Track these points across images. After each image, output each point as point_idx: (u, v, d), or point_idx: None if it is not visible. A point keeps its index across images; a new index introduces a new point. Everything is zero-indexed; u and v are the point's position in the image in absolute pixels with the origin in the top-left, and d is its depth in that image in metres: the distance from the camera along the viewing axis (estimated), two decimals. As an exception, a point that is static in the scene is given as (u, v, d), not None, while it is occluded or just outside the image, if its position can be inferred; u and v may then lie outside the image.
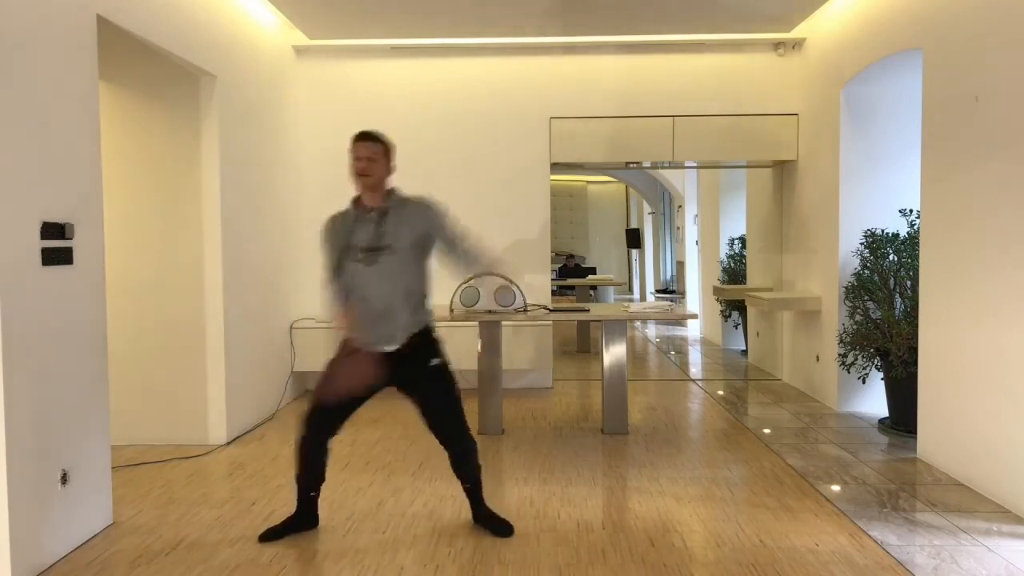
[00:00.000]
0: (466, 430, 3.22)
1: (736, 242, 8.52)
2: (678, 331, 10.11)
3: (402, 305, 3.03)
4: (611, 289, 12.50)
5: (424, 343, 3.13)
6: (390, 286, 3.01)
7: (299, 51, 6.18)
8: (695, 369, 7.62)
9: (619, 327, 4.84)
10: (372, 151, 3.04)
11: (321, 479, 3.24)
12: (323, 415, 3.18)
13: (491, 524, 3.23)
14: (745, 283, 7.73)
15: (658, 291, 13.16)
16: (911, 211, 4.86)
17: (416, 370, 3.14)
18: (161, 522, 3.39)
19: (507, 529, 3.20)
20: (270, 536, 3.16)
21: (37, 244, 2.90)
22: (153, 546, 3.13)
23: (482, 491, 3.29)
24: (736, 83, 6.20)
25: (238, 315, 4.83)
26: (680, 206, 11.66)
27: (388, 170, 3.12)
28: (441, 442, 3.23)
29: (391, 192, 3.15)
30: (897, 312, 4.78)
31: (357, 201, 3.15)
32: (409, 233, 3.06)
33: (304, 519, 3.25)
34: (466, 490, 3.28)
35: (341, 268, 3.07)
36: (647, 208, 15.27)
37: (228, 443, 4.66)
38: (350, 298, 3.06)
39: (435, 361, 3.14)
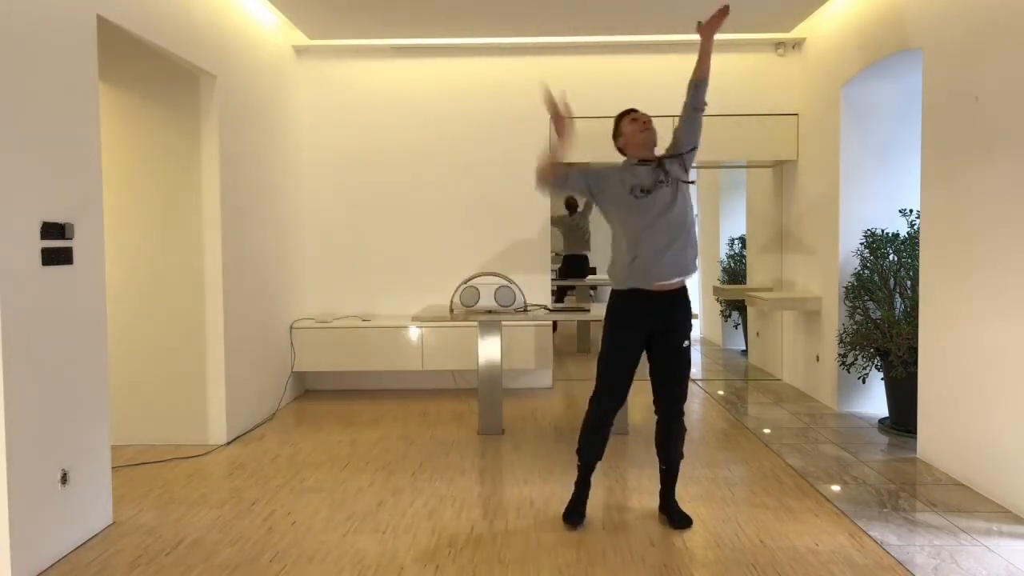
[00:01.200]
0: (683, 413, 3.34)
1: (736, 242, 8.52)
2: (678, 331, 10.08)
3: (685, 238, 3.27)
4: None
5: (685, 312, 3.32)
6: (672, 221, 3.24)
7: (299, 51, 6.18)
8: (695, 369, 7.61)
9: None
10: (647, 116, 3.42)
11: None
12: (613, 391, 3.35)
13: (672, 516, 3.34)
14: (745, 283, 7.73)
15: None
16: (911, 211, 4.86)
17: (670, 341, 3.28)
18: (161, 522, 3.39)
19: (686, 522, 3.30)
20: (576, 518, 3.31)
21: (37, 244, 2.90)
22: (153, 546, 3.13)
23: (676, 479, 3.40)
24: (736, 83, 6.20)
25: (238, 315, 4.83)
26: (680, 206, 11.62)
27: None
28: (660, 413, 3.35)
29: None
30: (897, 312, 4.78)
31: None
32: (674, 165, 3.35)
33: (587, 490, 3.40)
34: (661, 472, 3.41)
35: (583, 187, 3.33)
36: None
37: (228, 443, 4.66)
38: (635, 245, 3.24)
39: (687, 343, 3.30)
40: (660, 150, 3.41)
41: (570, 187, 3.35)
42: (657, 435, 3.38)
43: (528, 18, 5.59)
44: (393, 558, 2.99)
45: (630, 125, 3.36)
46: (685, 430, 3.38)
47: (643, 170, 3.26)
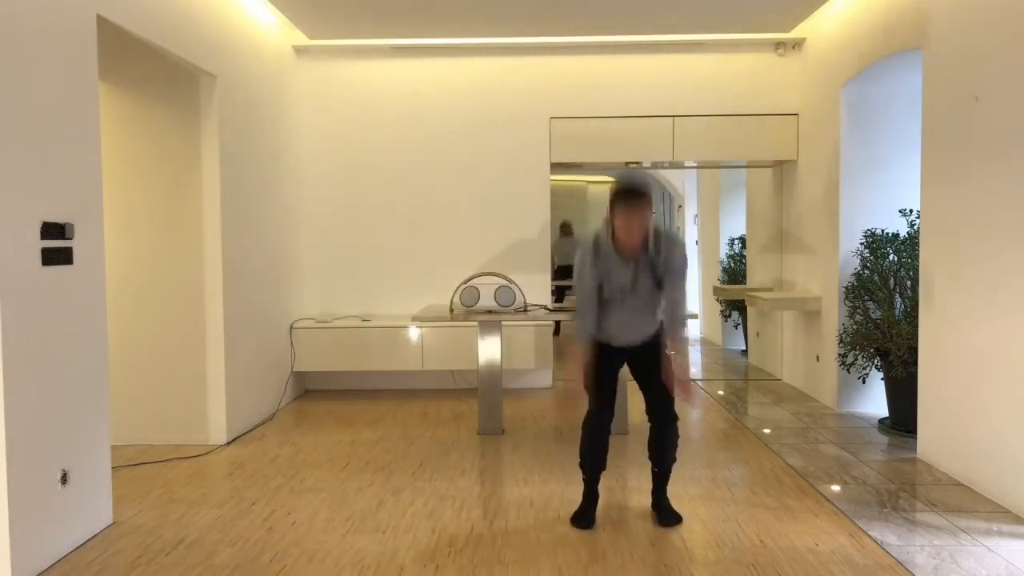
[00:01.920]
0: (675, 418, 3.36)
1: (736, 242, 8.52)
2: (678, 331, 10.08)
3: (650, 316, 3.31)
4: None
5: (657, 338, 3.36)
6: (643, 305, 3.28)
7: (299, 51, 6.18)
8: (695, 369, 7.61)
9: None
10: (642, 217, 3.09)
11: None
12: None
13: (661, 513, 3.38)
14: (745, 283, 7.73)
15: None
16: (911, 211, 4.86)
17: (653, 353, 3.34)
18: (161, 522, 3.39)
19: (675, 519, 3.34)
20: (586, 522, 3.31)
21: (37, 244, 2.90)
22: (153, 546, 3.13)
23: (667, 481, 3.43)
24: (736, 83, 6.20)
25: (238, 315, 4.83)
26: (680, 206, 11.65)
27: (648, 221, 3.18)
28: (651, 419, 3.38)
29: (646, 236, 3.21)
30: (897, 312, 4.78)
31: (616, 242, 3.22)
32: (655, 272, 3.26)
33: (596, 495, 3.41)
34: (653, 473, 3.43)
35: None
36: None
37: (228, 443, 4.66)
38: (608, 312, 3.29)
39: (669, 352, 3.34)
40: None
41: (593, 309, 3.29)
42: (649, 440, 3.40)
43: (528, 18, 5.59)
44: (393, 558, 2.99)
45: (620, 220, 3.09)
46: (678, 435, 3.38)
47: (626, 264, 3.20)
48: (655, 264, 3.21)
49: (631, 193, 3.06)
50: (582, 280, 3.27)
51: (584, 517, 3.32)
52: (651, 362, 3.33)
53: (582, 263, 3.28)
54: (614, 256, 3.21)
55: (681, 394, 3.30)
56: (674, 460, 3.40)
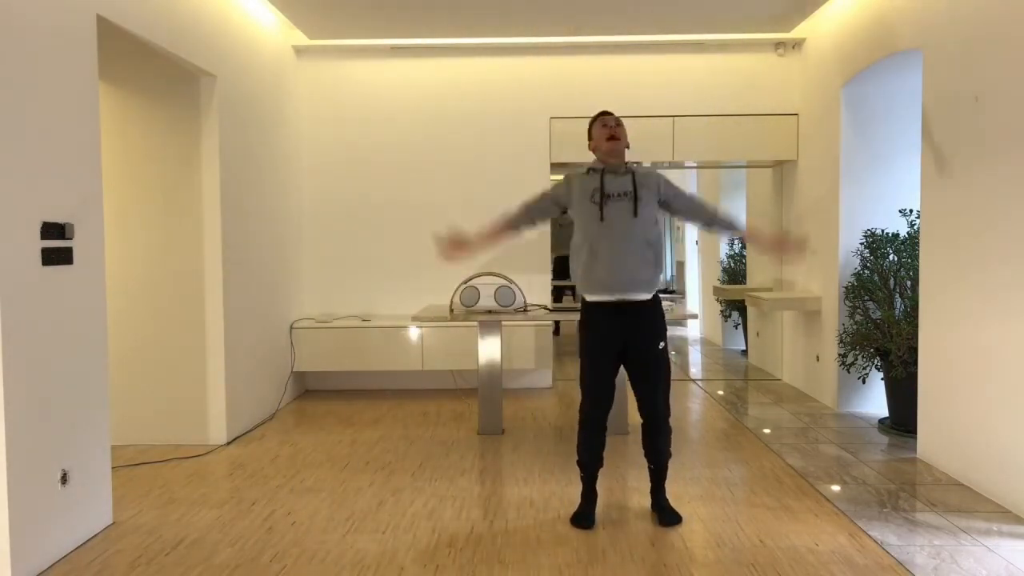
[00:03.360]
0: (667, 414, 3.37)
1: (736, 242, 8.52)
2: (678, 331, 10.11)
3: (641, 257, 3.26)
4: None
5: (656, 317, 3.34)
6: (628, 231, 3.27)
7: (299, 51, 6.18)
8: (695, 369, 7.62)
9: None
10: (617, 120, 3.37)
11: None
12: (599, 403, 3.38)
13: (660, 511, 3.38)
14: (745, 283, 7.73)
15: (658, 291, 13.13)
16: (911, 211, 4.86)
17: (645, 344, 3.30)
18: (161, 522, 3.39)
19: (675, 519, 3.33)
20: (586, 523, 3.29)
21: (37, 244, 2.90)
22: (153, 546, 3.13)
23: (664, 478, 3.43)
24: (736, 83, 6.20)
25: (238, 315, 4.83)
26: (680, 206, 11.61)
27: (627, 145, 3.39)
28: (643, 417, 3.38)
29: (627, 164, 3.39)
30: (897, 312, 4.78)
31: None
32: (649, 194, 3.33)
33: (595, 495, 3.41)
34: (650, 471, 3.44)
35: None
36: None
37: (228, 443, 4.66)
38: (582, 247, 3.29)
39: (662, 344, 3.33)
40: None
41: (541, 216, 3.49)
42: (643, 437, 3.40)
43: (528, 18, 5.59)
44: (393, 558, 2.99)
45: (599, 130, 3.35)
46: (670, 430, 3.38)
47: (609, 177, 3.29)
48: (635, 193, 3.24)
49: (603, 112, 3.41)
50: (540, 194, 3.43)
51: (584, 517, 3.32)
52: (645, 351, 3.29)
53: (554, 186, 3.43)
54: (595, 174, 3.30)
55: (785, 249, 3.40)
56: (669, 456, 3.40)
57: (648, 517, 3.40)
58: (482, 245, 3.44)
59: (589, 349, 3.32)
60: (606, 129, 3.33)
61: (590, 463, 3.37)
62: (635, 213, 3.23)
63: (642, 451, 3.42)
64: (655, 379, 3.31)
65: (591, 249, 3.24)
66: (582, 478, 3.40)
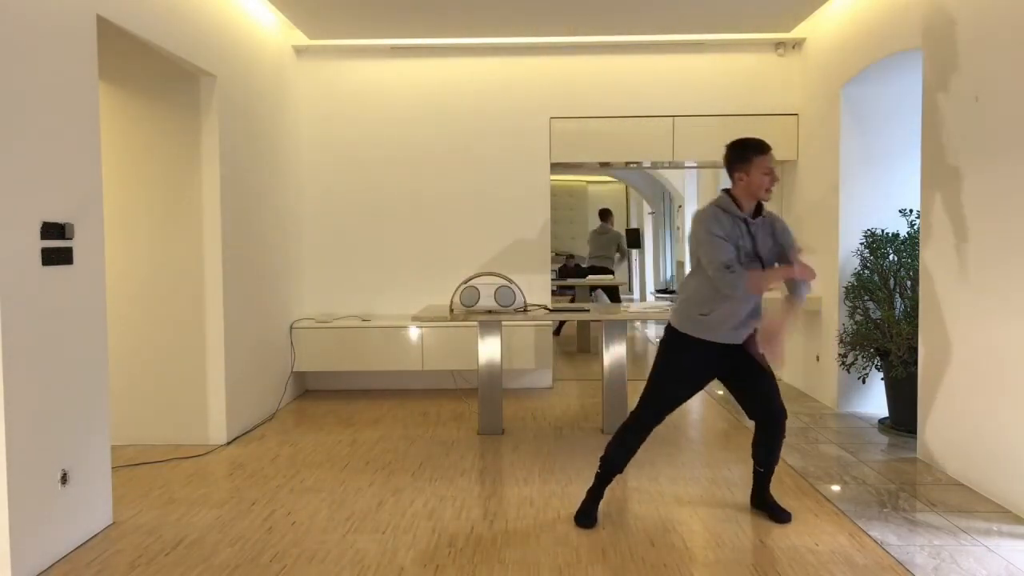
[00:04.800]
0: (785, 417, 3.33)
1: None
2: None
3: (757, 305, 3.23)
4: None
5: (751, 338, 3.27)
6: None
7: (299, 51, 6.18)
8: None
9: (619, 327, 4.85)
10: (773, 165, 3.17)
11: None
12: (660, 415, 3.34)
13: (772, 510, 3.38)
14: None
15: (658, 291, 13.15)
16: (911, 211, 4.86)
17: (745, 362, 3.26)
18: (161, 522, 3.39)
19: (786, 517, 3.33)
20: (588, 521, 3.30)
21: (37, 244, 2.90)
22: (153, 546, 3.13)
23: (770, 479, 3.43)
24: (736, 83, 6.20)
25: (238, 315, 4.83)
26: (680, 206, 11.66)
27: None
28: (758, 423, 3.35)
29: (759, 205, 3.25)
30: (897, 312, 4.78)
31: (738, 204, 3.19)
32: (772, 245, 3.23)
33: (599, 500, 3.40)
34: (758, 474, 3.43)
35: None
36: (647, 208, 15.27)
37: (228, 443, 4.66)
38: (718, 297, 3.14)
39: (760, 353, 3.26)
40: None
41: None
42: (758, 440, 3.36)
43: (528, 18, 5.59)
44: (393, 558, 2.99)
45: (760, 175, 3.11)
46: (784, 436, 3.36)
47: (746, 226, 3.14)
48: (768, 234, 3.16)
49: (762, 144, 3.15)
50: (714, 241, 3.05)
51: (587, 515, 3.31)
52: (751, 363, 3.24)
53: (711, 223, 3.09)
54: (739, 221, 3.13)
55: (769, 349, 3.14)
56: (777, 461, 3.41)
57: (648, 517, 3.40)
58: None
59: (679, 370, 3.26)
60: (768, 178, 3.12)
61: (615, 467, 3.35)
62: (770, 262, 3.19)
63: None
64: (769, 390, 3.27)
65: (715, 300, 3.14)
66: (598, 475, 3.37)
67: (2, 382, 2.70)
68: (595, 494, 3.38)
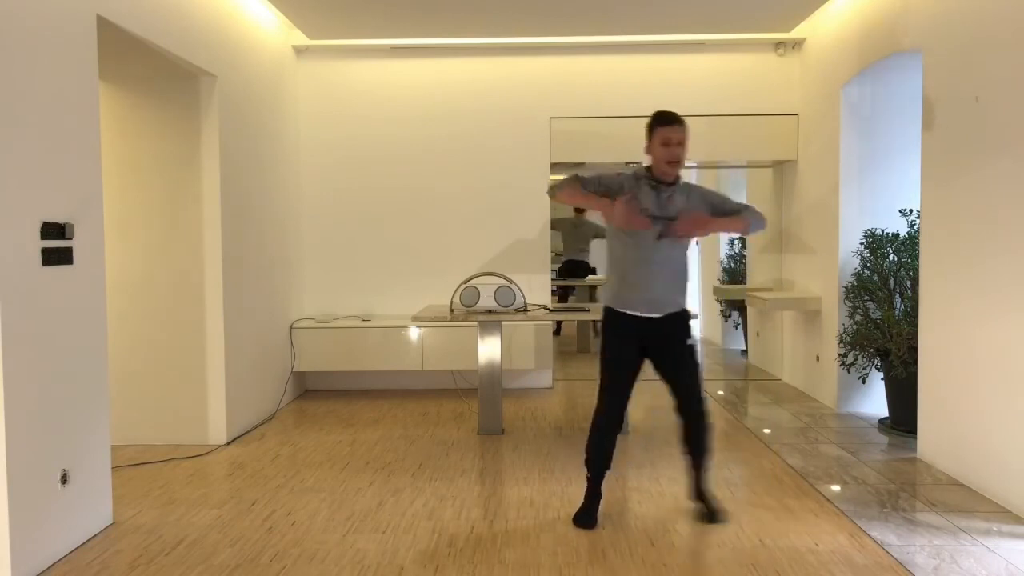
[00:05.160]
0: (706, 409, 3.36)
1: (736, 242, 8.52)
2: (678, 331, 10.09)
3: (676, 279, 3.28)
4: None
5: (682, 321, 3.33)
6: (670, 259, 3.24)
7: (299, 51, 6.18)
8: (695, 369, 7.60)
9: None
10: (682, 136, 3.22)
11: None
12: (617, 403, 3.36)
13: (706, 505, 3.36)
14: (745, 283, 7.73)
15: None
16: (911, 211, 4.86)
17: (673, 344, 3.31)
18: (161, 522, 3.39)
19: (720, 517, 3.32)
20: (588, 522, 3.29)
21: (37, 244, 2.90)
22: (153, 546, 3.13)
23: (705, 471, 3.41)
24: (736, 83, 6.20)
25: (238, 315, 4.83)
26: (680, 206, 11.59)
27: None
28: (682, 416, 3.37)
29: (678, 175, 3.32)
30: (897, 312, 4.78)
31: (649, 171, 3.29)
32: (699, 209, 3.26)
33: (599, 495, 3.39)
34: (691, 466, 3.41)
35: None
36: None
37: (228, 443, 4.66)
38: (627, 263, 3.25)
39: (690, 341, 3.33)
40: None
41: (585, 199, 3.33)
42: (684, 437, 3.39)
43: (528, 18, 5.59)
44: (393, 558, 2.99)
45: (660, 149, 3.20)
46: (711, 426, 3.39)
47: (663, 195, 3.22)
48: (685, 200, 3.20)
49: (670, 116, 3.23)
50: (600, 173, 3.27)
51: (587, 516, 3.31)
52: (674, 351, 3.29)
53: (609, 177, 3.27)
54: (646, 186, 3.22)
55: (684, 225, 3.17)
56: (711, 452, 3.41)
57: (648, 517, 3.40)
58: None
59: (611, 348, 3.31)
60: (668, 151, 3.18)
61: (599, 465, 3.36)
62: (677, 240, 3.23)
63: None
64: (685, 375, 3.31)
65: (629, 267, 3.24)
66: (588, 478, 3.39)
67: (2, 382, 2.70)
68: (592, 495, 3.38)
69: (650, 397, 5.94)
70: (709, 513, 3.33)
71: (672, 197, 3.22)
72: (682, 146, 3.20)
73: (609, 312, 3.33)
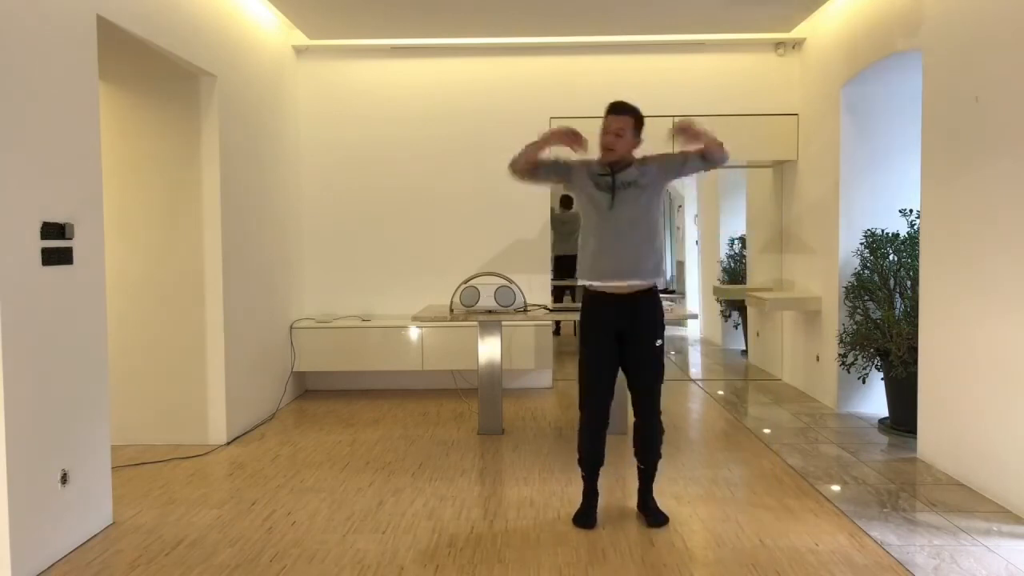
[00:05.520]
0: (658, 413, 3.37)
1: (736, 242, 8.52)
2: (678, 331, 10.11)
3: (643, 243, 3.27)
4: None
5: (653, 315, 3.32)
6: (635, 223, 3.26)
7: (299, 51, 6.18)
8: (695, 369, 7.62)
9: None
10: (620, 124, 3.26)
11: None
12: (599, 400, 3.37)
13: (649, 514, 3.35)
14: (745, 283, 7.73)
15: (658, 291, 13.13)
16: (911, 211, 4.86)
17: (643, 341, 3.30)
18: (161, 522, 3.39)
19: (662, 520, 3.31)
20: (588, 521, 3.28)
21: (37, 244, 2.90)
22: (153, 546, 3.13)
23: (653, 480, 3.41)
24: (736, 83, 6.20)
25: (238, 315, 4.83)
26: (680, 206, 11.65)
27: (634, 144, 3.33)
28: (636, 416, 3.38)
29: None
30: (897, 312, 4.78)
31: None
32: (664, 171, 3.34)
33: (596, 494, 3.39)
34: (639, 471, 3.41)
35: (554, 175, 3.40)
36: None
37: (228, 443, 4.66)
38: (591, 231, 3.30)
39: (659, 342, 3.32)
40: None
41: (544, 173, 3.40)
42: (634, 435, 3.41)
43: (528, 18, 5.59)
44: (393, 558, 2.99)
45: (601, 135, 3.30)
46: (662, 431, 3.39)
47: (608, 179, 3.29)
48: (641, 183, 3.24)
49: (614, 105, 3.32)
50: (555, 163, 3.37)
51: (586, 516, 3.31)
52: (641, 351, 3.29)
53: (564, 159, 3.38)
54: (596, 170, 3.29)
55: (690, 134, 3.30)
56: (659, 457, 3.40)
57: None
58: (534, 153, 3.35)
59: (588, 339, 3.32)
60: (603, 138, 3.29)
61: (592, 463, 3.37)
62: (637, 203, 3.25)
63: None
64: (644, 374, 3.32)
65: (592, 236, 3.29)
66: (583, 477, 3.39)
67: (2, 382, 2.69)
68: (589, 494, 3.38)
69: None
70: (652, 517, 3.33)
71: (637, 175, 3.28)
72: (619, 135, 3.25)
73: (585, 297, 3.37)
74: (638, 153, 3.37)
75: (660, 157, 3.38)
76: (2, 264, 2.72)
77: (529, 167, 3.34)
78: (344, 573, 2.87)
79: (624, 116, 3.28)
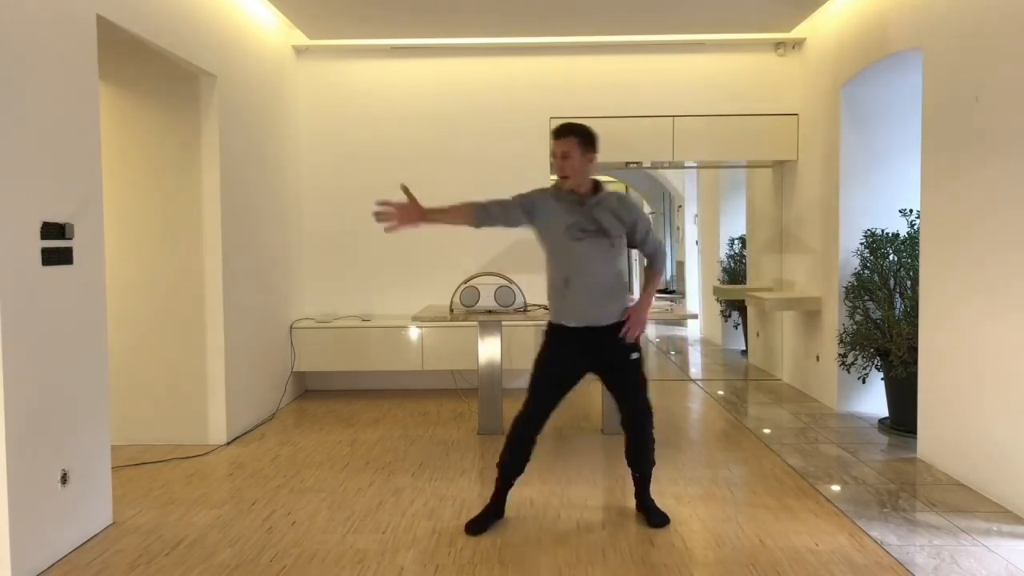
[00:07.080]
0: (650, 422, 3.35)
1: (736, 242, 8.52)
2: (678, 331, 10.11)
3: (607, 290, 3.19)
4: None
5: (619, 329, 3.24)
6: (597, 270, 3.16)
7: (299, 51, 6.18)
8: (695, 369, 7.62)
9: (619, 327, 4.84)
10: (565, 147, 3.16)
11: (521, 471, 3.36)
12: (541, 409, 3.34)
13: (649, 513, 3.34)
14: (745, 283, 7.74)
15: (658, 291, 13.15)
16: (911, 211, 4.86)
17: (618, 360, 3.27)
18: (161, 522, 3.39)
19: (663, 520, 3.30)
20: (476, 529, 3.22)
21: (37, 244, 2.90)
22: (153, 546, 3.13)
23: (649, 484, 3.40)
24: (736, 83, 6.20)
25: (238, 315, 4.83)
26: (680, 206, 11.67)
27: (586, 161, 3.18)
28: (625, 429, 3.37)
29: (597, 184, 3.25)
30: (897, 312, 4.78)
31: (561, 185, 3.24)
32: (615, 222, 3.19)
33: (500, 509, 3.35)
34: (635, 479, 3.40)
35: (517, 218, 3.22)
36: (647, 208, 15.28)
37: (228, 443, 4.66)
38: (554, 275, 3.23)
39: (635, 355, 3.28)
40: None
41: (500, 219, 3.22)
42: (625, 446, 3.39)
43: (528, 18, 5.59)
44: (393, 558, 2.99)
45: (553, 158, 3.21)
46: (652, 440, 3.37)
47: (574, 206, 3.17)
48: (603, 220, 3.12)
49: (557, 129, 3.24)
50: (512, 199, 3.22)
51: (477, 523, 3.25)
52: (618, 367, 3.27)
53: (523, 197, 3.24)
54: (566, 200, 3.17)
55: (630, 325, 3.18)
56: (652, 464, 3.39)
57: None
58: (433, 220, 3.25)
59: (548, 362, 3.29)
60: (555, 162, 3.19)
61: (511, 470, 3.33)
62: (611, 248, 3.16)
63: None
64: (628, 389, 3.31)
65: (557, 279, 3.20)
66: (497, 481, 3.34)
67: (2, 382, 2.70)
68: (495, 502, 3.33)
69: (650, 397, 5.95)
70: (654, 517, 3.32)
71: (597, 207, 3.17)
72: (566, 158, 3.13)
73: (549, 324, 3.30)
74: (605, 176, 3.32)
75: (621, 214, 3.21)
76: (2, 264, 2.72)
77: (473, 224, 3.21)
78: (344, 573, 2.87)
79: (567, 138, 3.16)
